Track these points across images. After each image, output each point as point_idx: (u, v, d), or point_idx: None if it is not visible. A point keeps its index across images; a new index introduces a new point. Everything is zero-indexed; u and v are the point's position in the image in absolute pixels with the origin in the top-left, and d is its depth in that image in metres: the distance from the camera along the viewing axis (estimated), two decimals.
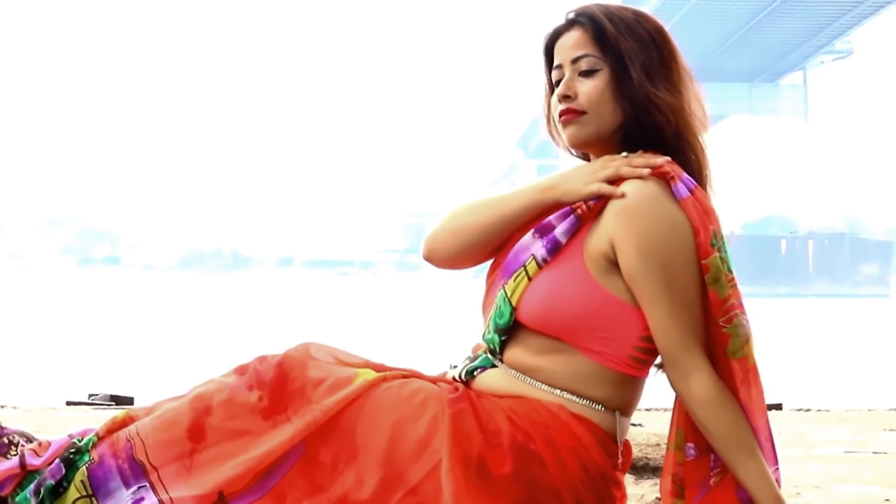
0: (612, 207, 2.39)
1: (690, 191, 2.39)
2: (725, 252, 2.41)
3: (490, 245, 2.55)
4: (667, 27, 2.56)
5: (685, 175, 2.42)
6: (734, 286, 2.41)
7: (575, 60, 2.49)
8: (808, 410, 8.05)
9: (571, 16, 2.54)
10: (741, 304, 2.41)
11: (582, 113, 2.48)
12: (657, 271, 2.35)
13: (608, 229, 2.39)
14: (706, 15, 77.86)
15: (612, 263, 2.39)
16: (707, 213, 2.39)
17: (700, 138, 2.51)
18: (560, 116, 2.51)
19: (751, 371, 2.40)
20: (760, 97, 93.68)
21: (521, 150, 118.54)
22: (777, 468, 2.44)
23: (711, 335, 2.40)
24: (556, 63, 2.54)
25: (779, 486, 2.40)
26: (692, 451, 2.45)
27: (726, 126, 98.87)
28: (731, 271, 2.41)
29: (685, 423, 2.45)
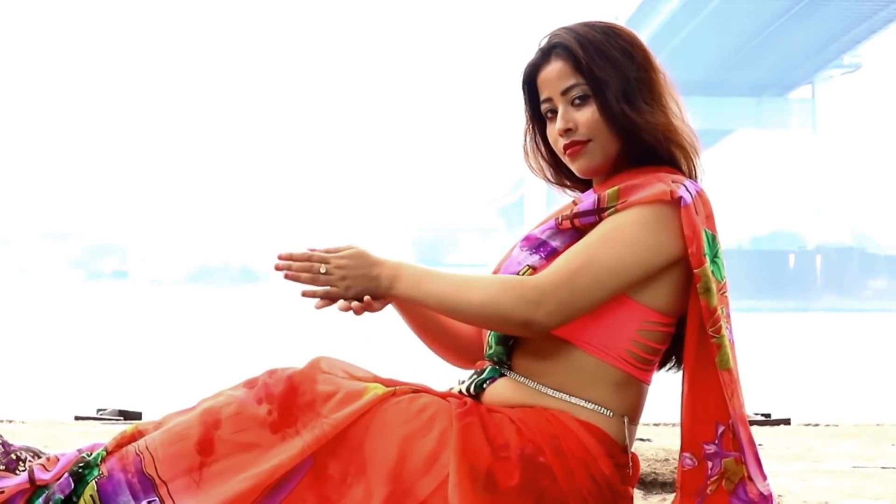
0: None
1: (697, 193, 2.43)
2: (720, 257, 2.43)
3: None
4: (643, 37, 2.56)
5: (687, 181, 2.46)
6: (724, 294, 2.43)
7: (565, 92, 2.51)
8: (817, 425, 8.01)
9: (544, 45, 2.54)
10: (728, 315, 2.44)
11: (587, 142, 2.50)
12: (612, 231, 2.40)
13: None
14: (714, 29, 77.84)
15: None
16: (708, 217, 2.43)
17: (688, 140, 2.52)
18: (566, 151, 2.53)
19: (735, 381, 2.43)
20: (769, 111, 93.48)
21: None
22: (767, 481, 2.45)
23: (702, 345, 2.42)
24: (543, 97, 2.55)
25: (771, 500, 2.42)
26: (689, 461, 2.46)
27: (734, 140, 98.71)
28: (723, 278, 2.43)
29: (683, 431, 2.46)
